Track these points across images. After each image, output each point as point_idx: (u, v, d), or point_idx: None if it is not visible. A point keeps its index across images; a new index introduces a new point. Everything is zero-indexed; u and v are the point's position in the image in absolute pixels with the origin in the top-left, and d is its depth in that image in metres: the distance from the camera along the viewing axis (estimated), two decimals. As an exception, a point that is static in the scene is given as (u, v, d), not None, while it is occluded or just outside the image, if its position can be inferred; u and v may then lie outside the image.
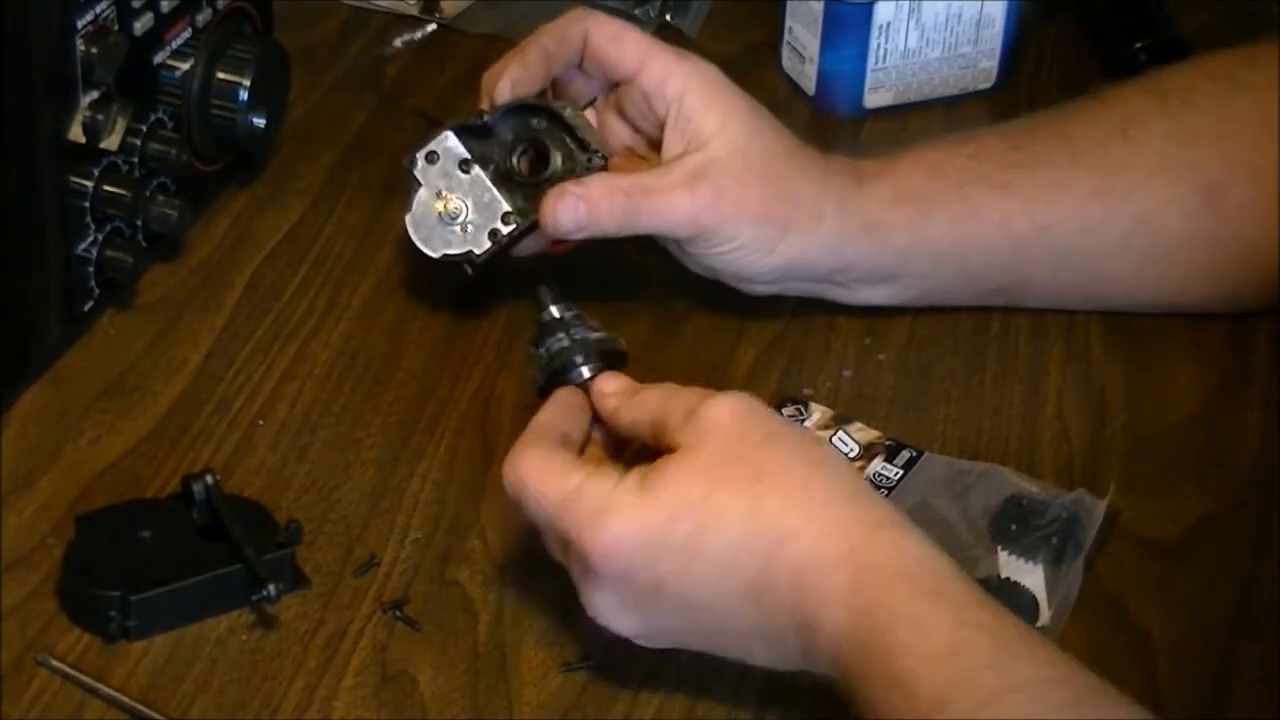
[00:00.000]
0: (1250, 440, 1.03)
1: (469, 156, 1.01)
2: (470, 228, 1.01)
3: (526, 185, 1.02)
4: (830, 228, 1.02)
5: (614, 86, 1.03)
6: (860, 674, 0.80)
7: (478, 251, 1.02)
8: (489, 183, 1.02)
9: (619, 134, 1.04)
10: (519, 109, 1.02)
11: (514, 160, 1.02)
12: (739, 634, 0.84)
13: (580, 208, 0.98)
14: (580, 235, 0.99)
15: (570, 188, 0.99)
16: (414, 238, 1.02)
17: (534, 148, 1.02)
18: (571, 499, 0.84)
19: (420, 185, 1.02)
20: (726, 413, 0.84)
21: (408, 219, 1.02)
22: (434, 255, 1.02)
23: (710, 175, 0.99)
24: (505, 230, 1.02)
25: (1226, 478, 1.00)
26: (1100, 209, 1.04)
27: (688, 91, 1.00)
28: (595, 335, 0.93)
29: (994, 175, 1.04)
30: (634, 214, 0.99)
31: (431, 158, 1.01)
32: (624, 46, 1.01)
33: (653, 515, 0.82)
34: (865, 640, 0.80)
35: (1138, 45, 1.26)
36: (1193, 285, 1.06)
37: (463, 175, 1.01)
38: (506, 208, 1.02)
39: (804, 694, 0.88)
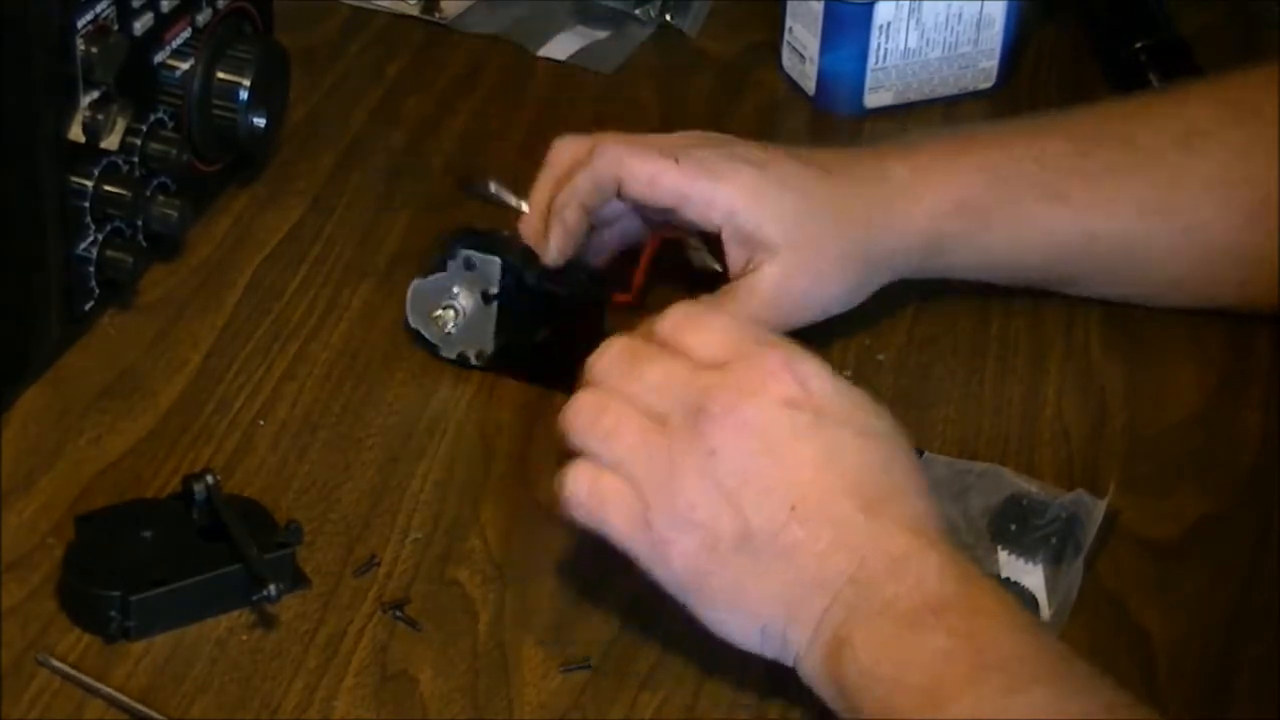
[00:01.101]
0: (1250, 440, 1.03)
1: (495, 293, 1.01)
2: (451, 333, 1.02)
3: (526, 334, 1.02)
4: (895, 247, 1.03)
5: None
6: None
7: (442, 353, 1.03)
8: (492, 323, 1.02)
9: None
10: (553, 291, 1.02)
11: (530, 328, 1.02)
12: (752, 571, 0.84)
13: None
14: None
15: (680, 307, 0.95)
16: (408, 302, 1.02)
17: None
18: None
19: (444, 273, 1.02)
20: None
21: (415, 282, 1.02)
22: (410, 323, 1.03)
23: (789, 287, 1.00)
24: (472, 363, 1.02)
25: (1226, 478, 1.01)
26: (1152, 221, 1.04)
27: (736, 211, 1.00)
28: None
29: (1055, 184, 1.04)
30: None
31: (470, 264, 1.01)
32: (660, 190, 1.00)
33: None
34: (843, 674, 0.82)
35: (1138, 45, 1.26)
36: (1227, 294, 1.07)
37: (480, 301, 1.01)
38: (488, 350, 1.02)
39: (804, 693, 0.88)
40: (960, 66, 1.25)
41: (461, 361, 1.03)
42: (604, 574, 0.93)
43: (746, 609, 0.84)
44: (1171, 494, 0.99)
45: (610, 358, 0.87)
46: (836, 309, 1.03)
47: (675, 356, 0.85)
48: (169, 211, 1.04)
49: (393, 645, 0.90)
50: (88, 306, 1.04)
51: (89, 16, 0.98)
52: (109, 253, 1.02)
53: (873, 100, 1.25)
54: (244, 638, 0.90)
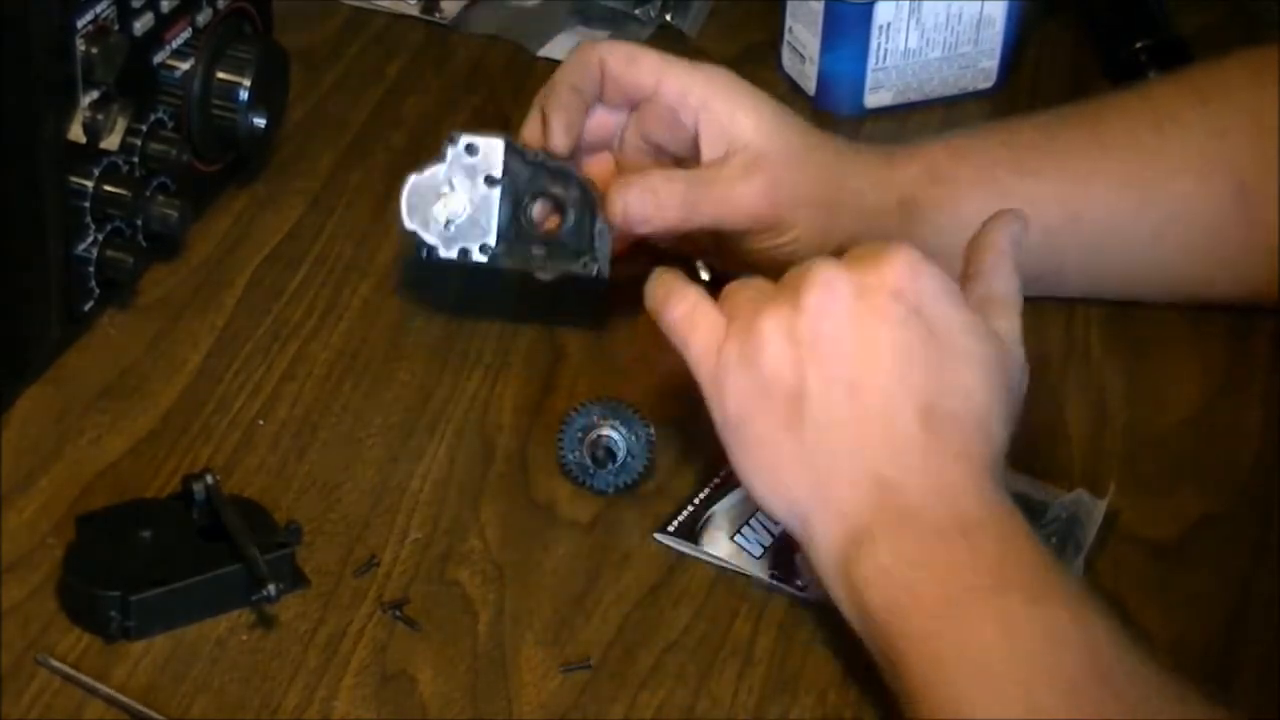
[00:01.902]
0: (1250, 440, 1.03)
1: (499, 176, 1.00)
2: (451, 229, 1.00)
3: (524, 233, 1.01)
4: (871, 206, 1.02)
5: (632, 111, 1.03)
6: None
7: (441, 253, 1.01)
8: (495, 209, 1.00)
9: (639, 161, 1.03)
10: (566, 173, 1.00)
11: (527, 203, 1.01)
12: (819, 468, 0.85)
13: (648, 199, 0.98)
14: (644, 229, 0.99)
15: (632, 178, 0.99)
16: (403, 199, 1.00)
17: (553, 205, 1.01)
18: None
19: (443, 164, 1.00)
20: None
21: (411, 178, 1.00)
22: (406, 224, 1.01)
23: (762, 168, 0.99)
24: (475, 258, 1.01)
25: (1226, 478, 1.00)
26: (1132, 199, 1.04)
27: (711, 97, 1.00)
28: None
29: (1026, 162, 1.04)
30: (696, 205, 0.98)
31: (471, 150, 1.00)
32: (640, 66, 1.01)
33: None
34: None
35: (1138, 45, 1.26)
36: (1222, 280, 1.06)
37: (482, 186, 1.00)
38: (492, 242, 1.00)
39: (804, 694, 0.88)
40: (960, 66, 1.25)
41: (462, 258, 1.01)
42: (604, 574, 0.93)
43: (778, 472, 0.86)
44: (1171, 494, 0.99)
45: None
46: (803, 248, 1.00)
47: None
48: (169, 211, 1.04)
49: (392, 645, 0.90)
50: (88, 306, 1.04)
51: (89, 16, 0.98)
52: (109, 253, 1.02)
53: (873, 100, 1.25)
54: (244, 638, 0.90)
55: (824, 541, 0.84)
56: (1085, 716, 0.78)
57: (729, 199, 0.99)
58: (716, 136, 1.00)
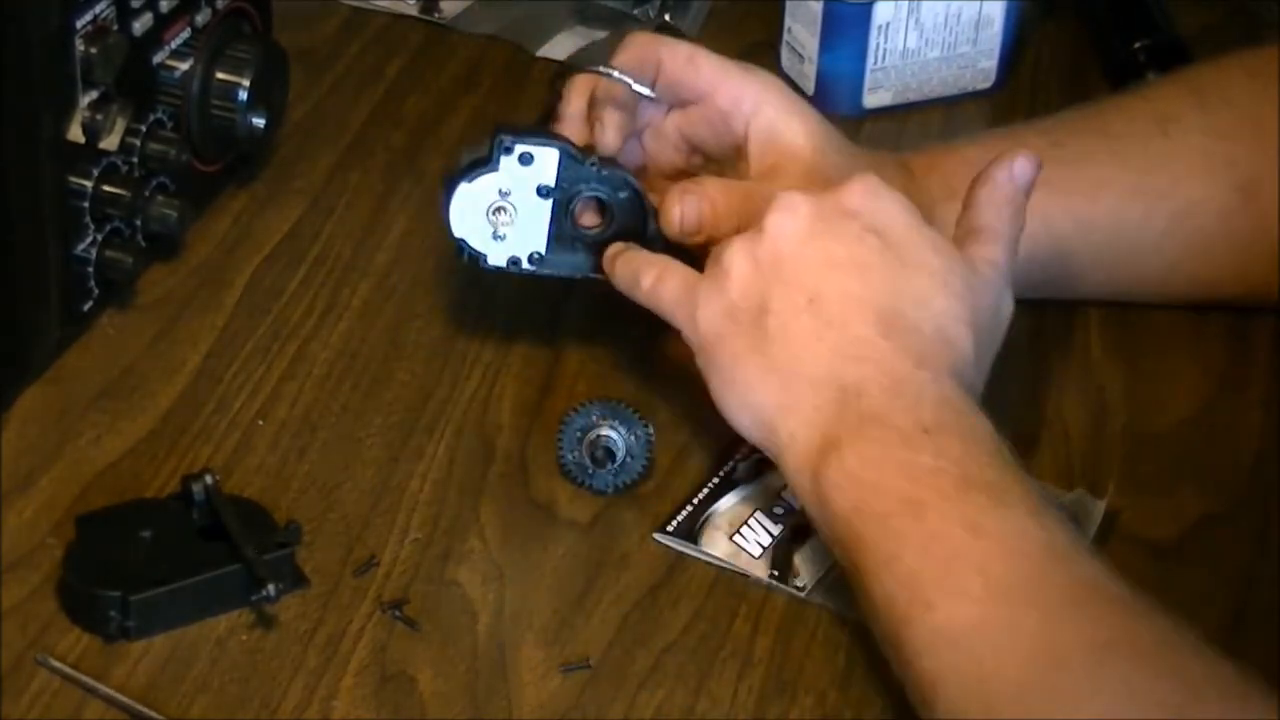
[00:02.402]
0: (1250, 440, 1.03)
1: (554, 186, 0.98)
2: (502, 238, 0.98)
3: (572, 238, 0.98)
4: None
5: (672, 108, 1.02)
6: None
7: (490, 261, 0.99)
8: (547, 219, 0.98)
9: (671, 156, 1.03)
10: (617, 178, 0.98)
11: (575, 207, 0.98)
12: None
13: (706, 206, 0.96)
14: (699, 238, 0.96)
15: (690, 186, 0.97)
16: (452, 207, 0.98)
17: (598, 206, 0.99)
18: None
19: (495, 172, 0.97)
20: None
21: (461, 185, 0.97)
22: (454, 232, 0.98)
23: (815, 182, 0.97)
24: (524, 266, 0.98)
25: (1226, 478, 1.01)
26: (1139, 206, 1.04)
27: (765, 105, 1.00)
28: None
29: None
30: (753, 217, 0.94)
31: (526, 159, 0.97)
32: (699, 69, 1.00)
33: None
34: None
35: (1138, 45, 1.26)
36: (1226, 281, 1.06)
37: (535, 197, 0.98)
38: (541, 250, 0.98)
39: (804, 694, 0.88)
40: (959, 66, 1.25)
41: (512, 266, 0.99)
42: (604, 574, 0.93)
43: (748, 389, 0.88)
44: (1171, 494, 0.99)
45: None
46: None
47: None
48: (168, 211, 1.04)
49: (392, 645, 0.90)
50: (87, 306, 1.04)
51: (89, 16, 0.98)
52: (108, 253, 1.02)
53: (872, 100, 1.25)
54: (244, 638, 0.90)
55: (792, 452, 0.87)
56: (1046, 605, 0.79)
57: None
58: (766, 146, 0.99)
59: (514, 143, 0.97)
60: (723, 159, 1.02)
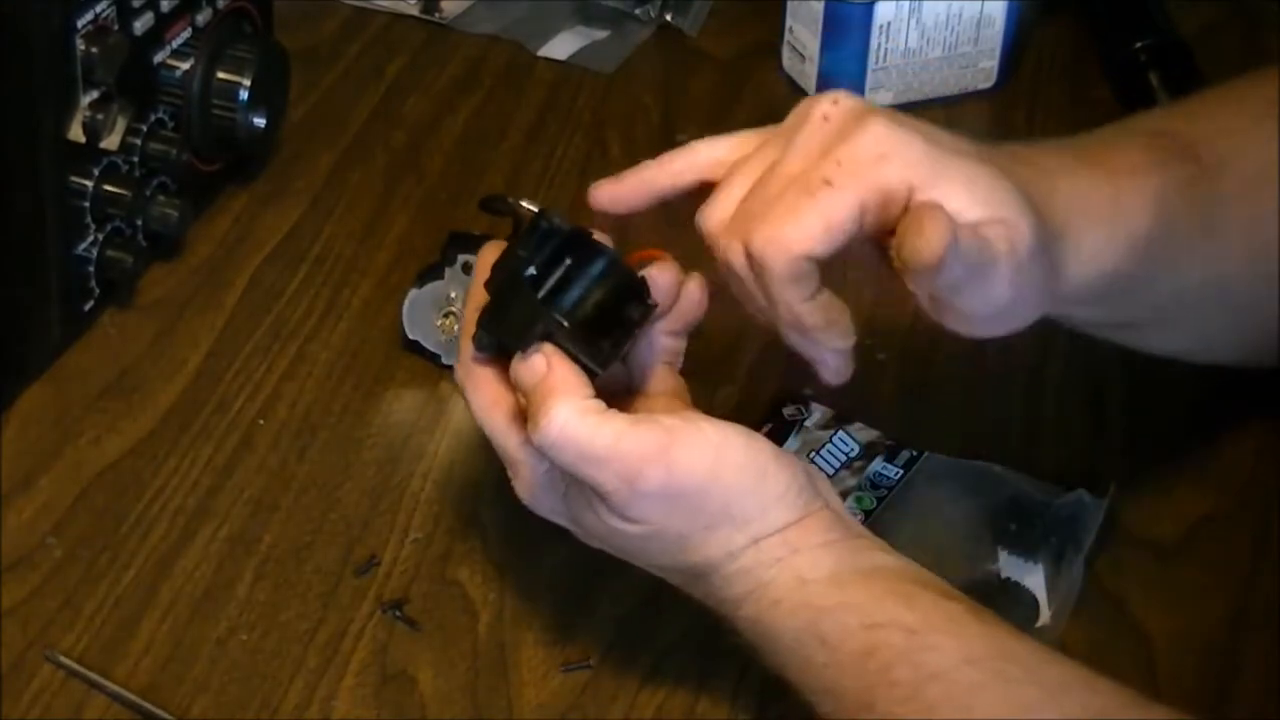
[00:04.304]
0: (1250, 440, 1.03)
1: None
2: (453, 341, 1.01)
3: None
4: (1059, 286, 0.86)
5: None
6: (794, 684, 0.81)
7: (444, 360, 1.02)
8: None
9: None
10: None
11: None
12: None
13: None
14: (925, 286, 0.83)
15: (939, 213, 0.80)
16: (404, 312, 1.02)
17: None
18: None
19: (442, 279, 1.01)
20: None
21: (411, 293, 1.02)
22: (408, 334, 1.03)
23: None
24: None
25: (1226, 478, 1.01)
26: (1254, 271, 0.92)
27: (914, 187, 0.81)
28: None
29: (1195, 216, 0.89)
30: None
31: (467, 269, 1.00)
32: (839, 225, 0.82)
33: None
34: (781, 660, 0.81)
35: (1138, 45, 1.26)
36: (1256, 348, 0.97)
37: None
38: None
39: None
40: (960, 66, 1.25)
41: None
42: (604, 574, 0.93)
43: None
44: (1171, 494, 0.99)
45: None
46: (1014, 322, 0.86)
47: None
48: (169, 211, 1.04)
49: (392, 645, 0.90)
50: (88, 306, 1.04)
51: (89, 16, 0.98)
52: (109, 253, 1.02)
53: (873, 100, 1.24)
54: (244, 638, 0.90)
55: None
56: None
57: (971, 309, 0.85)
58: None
59: (456, 254, 1.00)
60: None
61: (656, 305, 0.84)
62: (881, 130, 0.82)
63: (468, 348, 0.85)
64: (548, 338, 0.81)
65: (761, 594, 0.81)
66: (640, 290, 0.83)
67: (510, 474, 0.85)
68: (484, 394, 0.84)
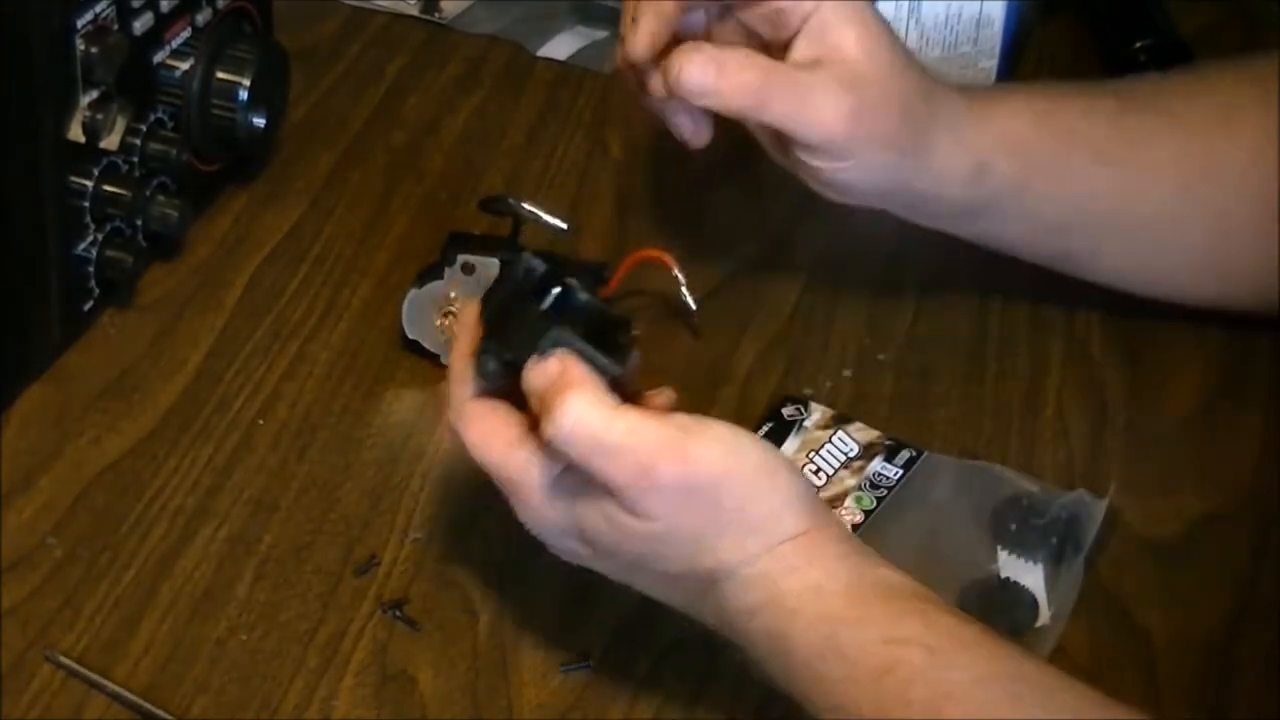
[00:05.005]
0: (1250, 440, 1.03)
1: None
2: (452, 340, 1.00)
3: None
4: (941, 166, 0.98)
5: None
6: (801, 699, 0.81)
7: (445, 360, 1.00)
8: None
9: (732, 44, 0.96)
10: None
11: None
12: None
13: (710, 71, 0.92)
14: (701, 101, 0.93)
15: (706, 47, 0.93)
16: (403, 312, 1.02)
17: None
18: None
19: (441, 281, 1.01)
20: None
21: (411, 292, 1.02)
22: (408, 334, 1.03)
23: (855, 89, 0.93)
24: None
25: (1226, 478, 1.01)
26: (1186, 206, 1.01)
27: (824, 4, 0.94)
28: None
29: (1100, 144, 1.00)
30: (766, 99, 0.93)
31: (468, 269, 1.00)
32: None
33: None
34: (796, 675, 0.81)
35: (1138, 45, 1.26)
36: (1240, 295, 1.04)
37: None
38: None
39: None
40: (960, 66, 1.25)
41: None
42: (604, 574, 0.93)
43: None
44: (1171, 494, 0.99)
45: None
46: (854, 177, 0.96)
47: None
48: (169, 211, 1.04)
49: (392, 645, 0.90)
50: (88, 306, 1.04)
51: (89, 16, 0.98)
52: (109, 253, 1.02)
53: (873, 100, 1.24)
54: (244, 638, 0.90)
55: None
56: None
57: (805, 107, 0.93)
58: (815, 39, 0.94)
59: (456, 254, 1.00)
60: (779, 51, 0.96)
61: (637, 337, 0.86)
62: None
63: (459, 393, 0.85)
64: (555, 347, 0.82)
65: (778, 603, 0.81)
66: (620, 322, 0.85)
67: (513, 500, 0.84)
68: (478, 428, 0.84)
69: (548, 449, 0.81)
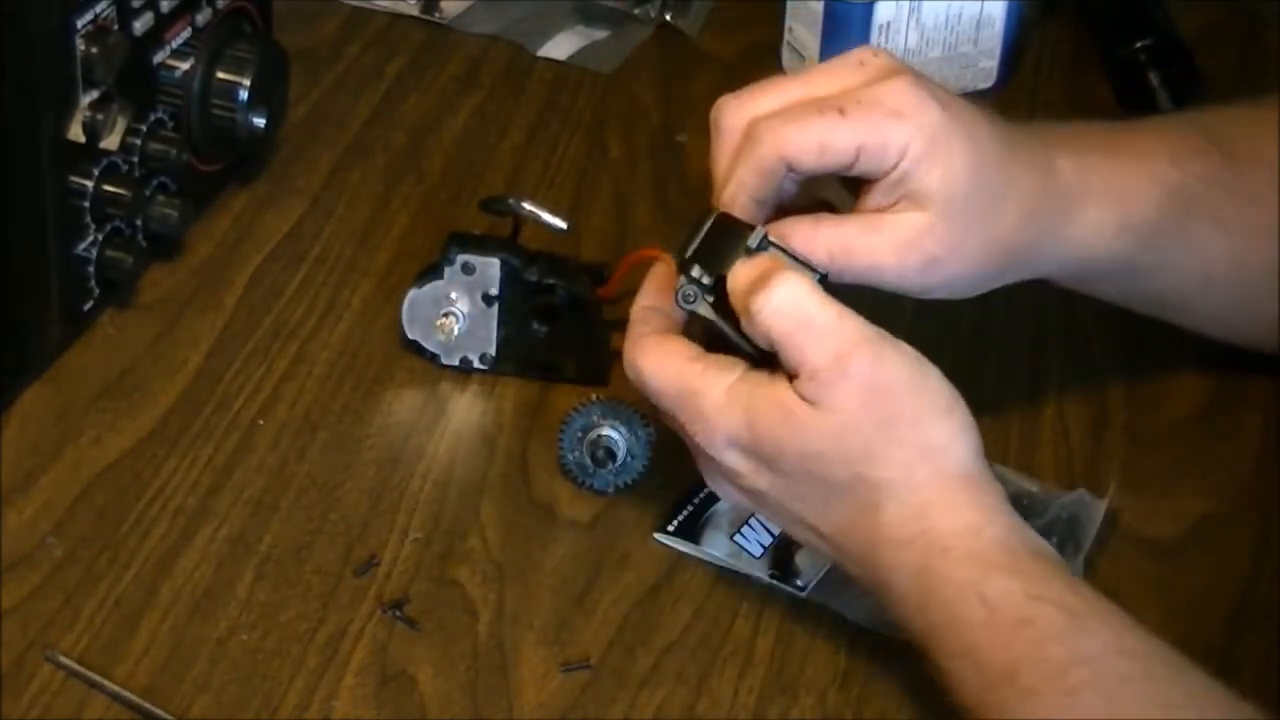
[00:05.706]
0: (1250, 440, 1.03)
1: (496, 294, 1.01)
2: (452, 341, 1.02)
3: (525, 335, 1.02)
4: (1040, 268, 0.94)
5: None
6: (930, 643, 0.82)
7: (444, 360, 1.03)
8: (494, 324, 1.02)
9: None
10: (563, 283, 1.01)
11: (527, 313, 1.02)
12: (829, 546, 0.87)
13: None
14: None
15: (800, 223, 0.88)
16: (403, 312, 1.02)
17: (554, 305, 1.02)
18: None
19: (441, 280, 1.01)
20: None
21: (411, 292, 1.02)
22: (407, 334, 1.03)
23: (923, 246, 0.89)
24: (476, 366, 1.03)
25: (1226, 478, 1.01)
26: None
27: (912, 159, 0.87)
28: None
29: (1218, 208, 0.96)
30: (832, 272, 0.89)
31: (468, 269, 1.01)
32: (831, 156, 0.88)
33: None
34: (934, 615, 0.82)
35: (1138, 45, 1.26)
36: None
37: (481, 304, 1.01)
38: (491, 352, 1.03)
39: (804, 694, 0.88)
40: (960, 66, 1.25)
41: (464, 366, 1.03)
42: (604, 574, 0.93)
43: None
44: (1171, 494, 0.99)
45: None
46: (957, 292, 0.93)
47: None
48: (169, 211, 1.04)
49: (392, 645, 0.90)
50: (88, 306, 1.04)
51: (89, 16, 0.98)
52: (109, 253, 1.02)
53: (873, 100, 1.24)
54: (244, 637, 0.90)
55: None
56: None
57: (869, 274, 0.89)
58: (893, 186, 0.88)
59: (456, 254, 1.01)
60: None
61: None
62: (905, 88, 0.88)
63: (635, 331, 0.89)
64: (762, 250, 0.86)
65: (932, 538, 0.82)
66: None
67: (685, 417, 0.86)
68: (654, 354, 0.88)
69: (755, 320, 0.83)
